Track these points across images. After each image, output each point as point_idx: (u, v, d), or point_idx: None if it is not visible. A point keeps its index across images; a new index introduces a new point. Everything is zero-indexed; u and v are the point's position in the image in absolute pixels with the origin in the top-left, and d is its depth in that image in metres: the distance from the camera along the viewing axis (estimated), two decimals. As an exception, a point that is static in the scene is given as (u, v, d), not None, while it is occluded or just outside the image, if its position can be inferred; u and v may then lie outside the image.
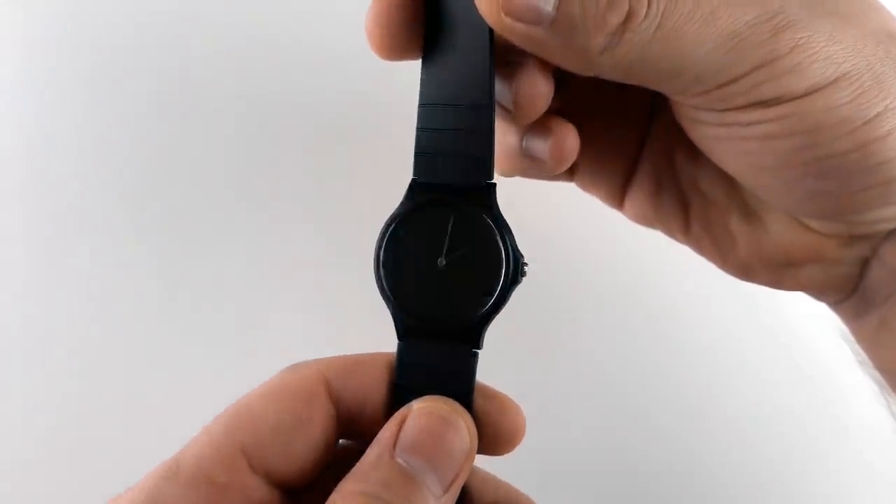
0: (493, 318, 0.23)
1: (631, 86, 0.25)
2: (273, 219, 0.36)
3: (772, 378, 0.38)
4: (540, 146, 0.27)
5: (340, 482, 0.21)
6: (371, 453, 0.22)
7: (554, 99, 0.27)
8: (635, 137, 0.29)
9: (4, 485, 0.35)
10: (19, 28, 0.36)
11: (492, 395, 0.24)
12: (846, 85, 0.22)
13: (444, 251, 0.23)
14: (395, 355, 0.24)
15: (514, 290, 0.24)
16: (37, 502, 0.35)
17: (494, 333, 0.24)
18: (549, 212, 0.36)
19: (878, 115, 0.22)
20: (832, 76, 0.22)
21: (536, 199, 0.33)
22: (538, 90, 0.25)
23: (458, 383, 0.23)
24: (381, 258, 0.24)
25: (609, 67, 0.22)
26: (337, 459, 0.24)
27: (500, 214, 0.24)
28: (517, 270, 0.23)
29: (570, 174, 0.31)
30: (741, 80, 0.22)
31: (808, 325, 0.37)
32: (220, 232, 0.36)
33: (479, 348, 0.24)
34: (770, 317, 0.36)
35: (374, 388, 0.24)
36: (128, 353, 0.36)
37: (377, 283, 0.24)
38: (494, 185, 0.24)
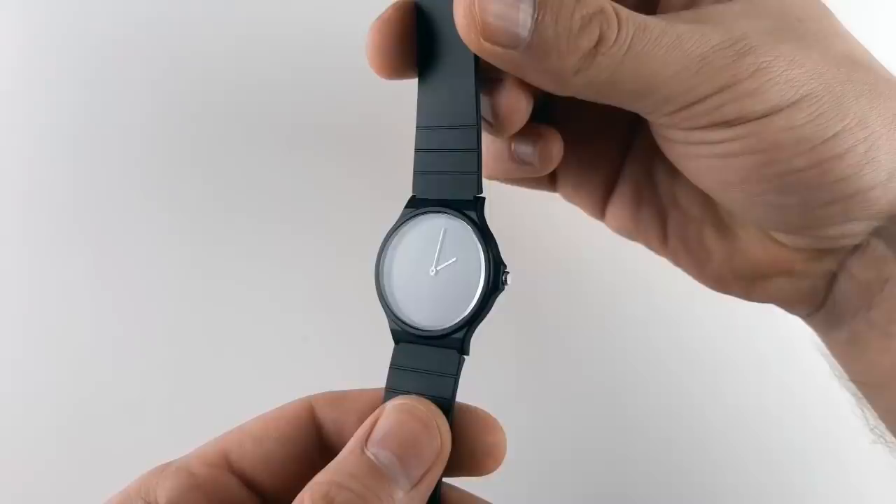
0: (477, 324, 0.24)
1: (613, 106, 0.26)
2: (277, 221, 0.37)
3: (763, 381, 0.38)
4: (528, 150, 0.28)
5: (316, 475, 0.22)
6: (344, 449, 0.23)
7: (542, 112, 0.29)
8: (618, 151, 0.31)
9: (5, 485, 0.35)
10: (17, 27, 0.36)
11: (467, 410, 0.24)
12: (805, 106, 0.23)
13: (435, 261, 0.25)
14: (379, 390, 0.25)
15: (495, 297, 0.25)
16: (38, 502, 0.35)
17: (487, 342, 0.25)
18: (541, 216, 0.36)
19: (835, 134, 0.23)
20: (792, 98, 0.23)
21: (530, 204, 0.34)
22: (516, 106, 0.26)
23: (440, 387, 0.24)
24: (381, 268, 0.26)
25: (582, 88, 0.24)
26: None
27: (486, 225, 0.25)
28: (497, 279, 0.24)
29: (554, 185, 0.32)
30: (705, 102, 0.23)
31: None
32: (224, 232, 0.37)
33: (465, 354, 0.24)
34: (762, 319, 0.36)
35: (353, 413, 0.25)
36: (128, 353, 0.36)
37: (377, 290, 0.26)
38: (483, 198, 0.25)
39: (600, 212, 0.32)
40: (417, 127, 0.26)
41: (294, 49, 0.37)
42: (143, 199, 0.37)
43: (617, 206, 0.31)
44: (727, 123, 0.24)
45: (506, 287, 0.25)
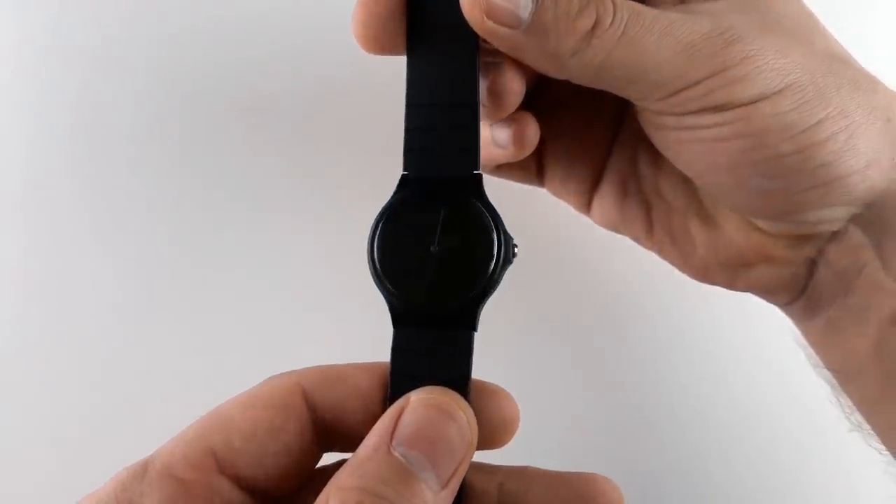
0: (487, 298, 0.24)
1: (599, 97, 0.27)
2: (273, 216, 0.37)
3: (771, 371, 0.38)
4: (504, 134, 0.29)
5: (335, 474, 0.21)
6: (367, 446, 0.21)
7: (528, 106, 0.30)
8: (602, 146, 0.32)
9: (8, 485, 0.35)
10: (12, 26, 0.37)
11: (482, 387, 0.24)
12: (790, 94, 0.25)
13: (437, 237, 0.24)
14: (378, 364, 0.24)
15: (506, 270, 0.24)
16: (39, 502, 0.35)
17: (486, 329, 0.24)
18: (538, 201, 0.36)
19: (819, 122, 0.25)
20: (778, 86, 0.24)
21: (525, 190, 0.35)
22: (512, 88, 0.27)
23: (456, 366, 0.23)
24: (375, 246, 0.25)
25: (579, 70, 0.25)
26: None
27: (489, 201, 0.25)
28: (508, 250, 0.24)
29: (542, 179, 0.33)
30: (696, 87, 0.24)
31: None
32: (221, 230, 0.37)
33: (474, 330, 0.24)
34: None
35: (354, 398, 0.24)
36: (127, 352, 0.36)
37: (371, 269, 0.25)
38: (480, 175, 0.25)
39: (586, 206, 0.33)
40: (408, 105, 0.26)
41: (294, 44, 0.37)
42: (141, 198, 0.37)
43: (602, 200, 0.32)
44: (716, 108, 0.25)
45: (515, 257, 0.24)
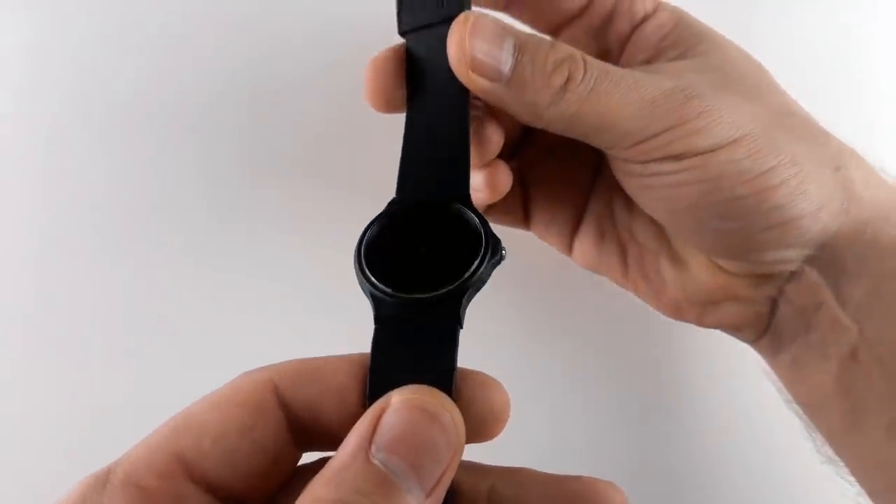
0: (472, 294, 0.23)
1: (579, 147, 0.29)
2: (272, 219, 0.37)
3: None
4: (479, 179, 0.31)
5: (310, 483, 0.19)
6: (344, 452, 0.19)
7: (514, 157, 0.33)
8: (582, 192, 0.34)
9: (9, 485, 0.35)
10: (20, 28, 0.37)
11: (469, 376, 0.22)
12: (745, 144, 0.27)
13: (425, 241, 0.24)
14: (358, 356, 0.23)
15: (492, 268, 0.24)
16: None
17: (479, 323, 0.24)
18: None
19: (771, 168, 0.27)
20: (732, 137, 0.27)
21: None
22: (491, 138, 0.30)
23: (440, 360, 0.22)
24: (364, 248, 0.25)
25: (553, 120, 0.27)
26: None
27: (475, 207, 0.25)
28: (495, 250, 0.24)
29: (528, 223, 0.35)
30: (657, 138, 0.27)
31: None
32: (218, 231, 0.37)
33: (460, 325, 0.23)
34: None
35: (331, 394, 0.22)
36: (128, 352, 0.36)
37: (356, 267, 0.24)
38: (468, 194, 0.26)
39: (568, 248, 0.35)
40: (405, 145, 0.28)
41: (296, 47, 0.38)
42: (140, 198, 0.37)
43: (582, 242, 0.34)
44: (676, 157, 0.27)
45: (503, 259, 0.24)
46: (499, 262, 0.24)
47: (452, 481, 0.20)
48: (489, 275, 0.24)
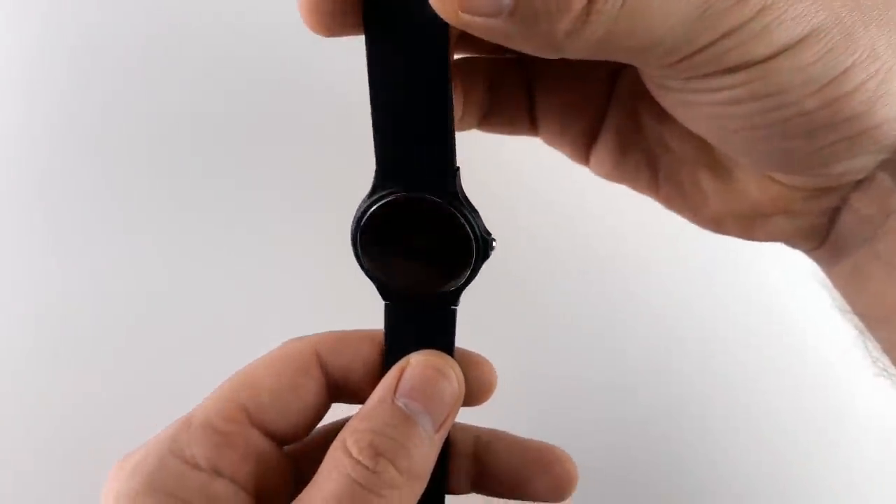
0: (466, 286, 0.26)
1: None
2: (274, 212, 0.38)
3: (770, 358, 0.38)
4: None
5: (349, 421, 0.25)
6: (374, 398, 0.25)
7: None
8: (600, 98, 0.29)
9: (12, 485, 0.36)
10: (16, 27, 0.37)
11: (466, 356, 0.28)
12: (814, 43, 0.21)
13: (417, 233, 0.25)
14: (378, 332, 0.27)
15: (483, 263, 0.26)
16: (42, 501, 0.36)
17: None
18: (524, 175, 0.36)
19: (845, 70, 0.21)
20: (800, 34, 0.21)
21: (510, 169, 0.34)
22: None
23: (442, 336, 0.27)
24: (361, 235, 0.25)
25: (575, 49, 0.21)
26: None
27: (466, 198, 0.25)
28: (486, 248, 0.25)
29: (535, 131, 0.30)
30: (708, 49, 0.21)
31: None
32: (219, 226, 0.38)
33: (455, 306, 0.27)
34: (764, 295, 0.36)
35: (358, 359, 0.28)
36: (127, 351, 0.37)
37: (357, 262, 0.26)
38: (457, 169, 0.24)
39: (585, 158, 0.30)
40: (373, 107, 0.23)
41: (293, 42, 0.36)
42: (139, 196, 0.38)
43: (601, 151, 0.29)
44: (730, 70, 0.21)
45: (493, 249, 0.26)
46: (488, 257, 0.26)
47: (450, 431, 0.27)
48: (480, 268, 0.26)
